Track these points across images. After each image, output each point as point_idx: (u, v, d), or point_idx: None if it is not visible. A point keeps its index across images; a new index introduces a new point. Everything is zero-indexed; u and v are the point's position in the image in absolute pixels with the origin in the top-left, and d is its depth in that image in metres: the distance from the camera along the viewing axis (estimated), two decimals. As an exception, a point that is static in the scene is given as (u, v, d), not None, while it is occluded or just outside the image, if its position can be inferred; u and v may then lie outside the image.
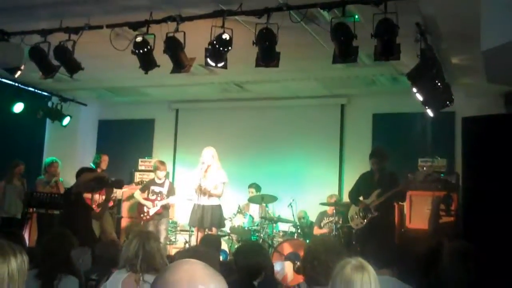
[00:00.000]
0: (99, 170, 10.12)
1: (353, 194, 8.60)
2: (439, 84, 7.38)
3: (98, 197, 9.69)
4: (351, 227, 8.64)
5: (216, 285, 1.64)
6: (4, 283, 2.29)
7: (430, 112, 8.26)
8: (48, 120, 11.78)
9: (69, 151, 12.11)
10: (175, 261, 1.69)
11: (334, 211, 9.43)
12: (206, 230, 8.89)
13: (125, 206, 11.13)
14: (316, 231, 10.03)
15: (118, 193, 10.76)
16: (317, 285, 3.63)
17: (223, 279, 1.68)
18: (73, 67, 7.48)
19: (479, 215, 5.38)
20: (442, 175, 9.27)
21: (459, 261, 3.90)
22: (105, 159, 10.46)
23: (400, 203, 8.91)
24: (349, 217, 8.59)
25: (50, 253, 4.55)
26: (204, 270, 1.65)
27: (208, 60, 6.67)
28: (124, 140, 12.46)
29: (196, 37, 6.45)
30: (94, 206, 9.48)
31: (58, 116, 11.29)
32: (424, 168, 9.19)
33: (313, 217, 10.33)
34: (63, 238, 4.76)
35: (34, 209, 9.74)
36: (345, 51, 6.12)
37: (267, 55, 6.41)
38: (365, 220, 8.19)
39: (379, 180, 8.27)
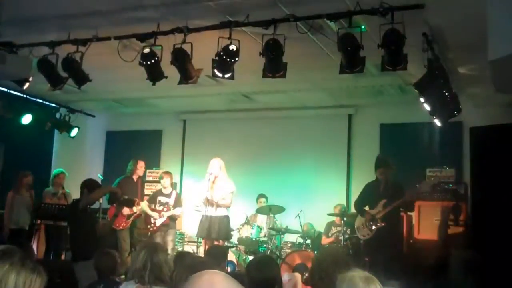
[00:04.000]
0: (135, 177, 10.30)
1: (359, 204, 8.56)
2: (446, 94, 7.36)
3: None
4: (359, 238, 8.60)
5: None
6: None
7: (437, 122, 8.22)
8: (56, 132, 11.82)
9: (77, 163, 12.16)
10: (198, 272, 1.68)
11: (342, 221, 9.39)
12: (213, 241, 8.87)
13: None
14: (324, 240, 10.00)
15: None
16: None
17: None
18: (81, 78, 7.52)
19: (488, 224, 5.35)
20: (450, 185, 9.24)
21: (468, 272, 3.88)
22: (141, 165, 10.48)
23: (408, 213, 8.87)
24: (355, 227, 8.55)
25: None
26: (225, 280, 1.64)
27: (215, 71, 6.68)
28: (132, 151, 12.41)
29: (203, 48, 6.47)
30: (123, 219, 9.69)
31: (66, 127, 11.33)
32: (432, 178, 9.17)
33: (321, 227, 10.30)
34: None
35: (42, 220, 9.77)
36: (352, 62, 6.12)
37: (274, 65, 6.42)
38: (372, 231, 8.16)
39: (384, 189, 8.22)
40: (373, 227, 8.12)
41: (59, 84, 7.72)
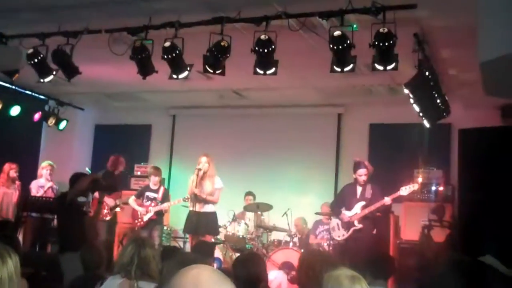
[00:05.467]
0: (116, 172, 10.28)
1: (336, 205, 8.67)
2: (436, 95, 7.40)
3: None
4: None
5: None
6: (5, 285, 2.29)
7: (426, 123, 8.26)
8: (44, 124, 11.75)
9: (65, 155, 12.08)
10: (185, 268, 1.66)
11: (330, 220, 9.40)
12: (200, 237, 8.85)
13: (119, 212, 11.07)
14: (312, 240, 10.00)
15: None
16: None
17: (231, 284, 1.64)
18: (71, 71, 7.48)
19: (474, 226, 5.37)
20: (436, 186, 9.29)
21: (455, 273, 3.89)
22: (122, 161, 10.49)
23: (386, 214, 8.92)
24: (330, 227, 8.62)
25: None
26: (212, 275, 1.62)
27: (207, 66, 6.67)
28: (121, 145, 12.38)
29: (195, 43, 6.45)
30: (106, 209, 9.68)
31: (54, 120, 11.27)
32: (419, 179, 9.21)
33: (309, 226, 10.32)
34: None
35: (28, 212, 9.70)
36: (343, 60, 6.13)
37: (265, 62, 6.42)
38: (347, 232, 8.22)
39: (362, 192, 8.33)
40: (349, 228, 8.20)
41: (48, 76, 7.67)
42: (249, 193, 10.67)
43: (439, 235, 8.17)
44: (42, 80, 7.72)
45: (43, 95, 11.56)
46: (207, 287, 1.57)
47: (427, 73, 6.76)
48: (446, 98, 7.89)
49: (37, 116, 10.97)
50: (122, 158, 10.51)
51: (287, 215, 9.79)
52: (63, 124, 11.34)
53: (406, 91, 7.14)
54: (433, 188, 9.43)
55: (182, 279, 1.59)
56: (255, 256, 5.02)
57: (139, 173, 11.77)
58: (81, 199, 7.80)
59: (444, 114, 7.99)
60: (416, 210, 9.27)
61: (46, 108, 11.36)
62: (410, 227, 9.27)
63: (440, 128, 9.02)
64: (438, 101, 7.54)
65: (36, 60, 7.38)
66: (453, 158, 9.49)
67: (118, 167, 10.40)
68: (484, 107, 9.05)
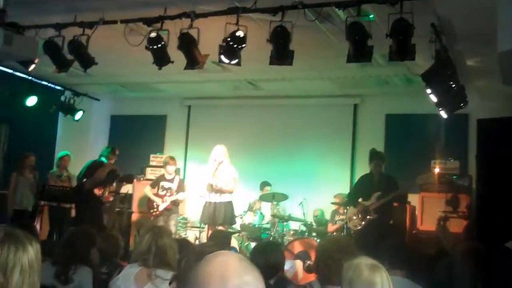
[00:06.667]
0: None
1: (353, 195, 8.74)
2: (453, 85, 7.32)
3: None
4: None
5: (250, 278, 1.57)
6: (25, 272, 2.31)
7: (443, 114, 8.19)
8: (60, 114, 11.83)
9: (81, 146, 12.15)
10: (211, 254, 1.64)
11: (345, 210, 9.40)
12: (216, 227, 8.89)
13: (135, 201, 11.14)
14: (330, 228, 10.07)
15: (129, 188, 10.73)
16: (330, 284, 3.61)
17: (258, 272, 1.61)
18: (87, 61, 7.49)
19: (492, 217, 5.33)
20: (454, 177, 9.23)
21: (470, 262, 3.87)
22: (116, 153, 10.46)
23: (402, 204, 8.92)
24: (347, 217, 8.64)
25: (72, 246, 4.60)
26: (239, 263, 1.59)
27: (222, 57, 6.65)
28: (136, 135, 12.48)
29: (210, 34, 6.43)
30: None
31: (70, 110, 11.33)
32: (436, 170, 9.18)
33: (327, 216, 10.36)
34: (87, 236, 4.81)
35: (46, 202, 9.79)
36: (359, 51, 6.08)
37: (281, 53, 6.38)
38: (364, 222, 8.25)
39: (379, 182, 8.38)
40: (365, 218, 8.23)
41: (64, 66, 7.71)
42: (266, 183, 10.66)
43: (455, 226, 8.14)
44: (58, 71, 7.76)
45: (59, 86, 11.60)
46: (234, 274, 1.54)
47: (444, 64, 6.68)
48: (464, 89, 7.81)
49: (32, 100, 10.81)
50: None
51: (302, 205, 9.81)
52: (79, 115, 11.37)
53: (423, 82, 7.07)
54: (450, 179, 9.37)
55: (209, 267, 1.56)
56: (274, 245, 5.03)
57: (154, 163, 11.81)
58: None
59: (461, 104, 7.92)
60: (432, 201, 9.25)
61: (62, 98, 11.41)
62: (427, 218, 9.27)
63: (457, 119, 8.95)
64: (455, 91, 7.47)
65: (52, 51, 7.41)
66: (470, 148, 9.43)
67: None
68: (501, 98, 8.95)
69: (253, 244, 9.12)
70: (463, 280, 3.45)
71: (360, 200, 8.47)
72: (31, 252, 2.39)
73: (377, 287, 2.69)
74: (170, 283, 3.78)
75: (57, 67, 7.72)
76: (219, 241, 5.47)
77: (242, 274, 1.56)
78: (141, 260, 4.03)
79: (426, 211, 9.36)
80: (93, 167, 8.36)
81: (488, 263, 3.84)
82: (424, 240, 8.94)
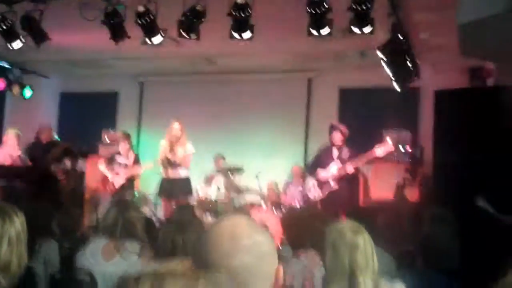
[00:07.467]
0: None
1: (312, 166, 8.81)
2: (408, 59, 7.48)
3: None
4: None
5: (262, 237, 1.59)
6: (13, 244, 2.30)
7: (397, 87, 8.37)
8: (8, 92, 11.50)
9: (30, 124, 11.83)
10: (221, 217, 1.66)
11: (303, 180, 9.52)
12: (173, 202, 8.91)
13: (89, 178, 10.95)
14: (283, 200, 10.08)
15: (82, 165, 10.54)
16: (302, 248, 3.70)
17: (267, 233, 1.63)
18: (40, 37, 7.31)
19: (450, 185, 5.53)
20: (405, 146, 9.46)
21: (439, 226, 4.02)
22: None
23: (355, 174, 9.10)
24: (306, 188, 8.75)
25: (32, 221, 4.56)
26: (248, 223, 1.61)
27: (181, 31, 6.61)
28: (87, 113, 12.27)
29: (168, 9, 6.37)
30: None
31: (19, 88, 11.03)
32: (389, 142, 9.37)
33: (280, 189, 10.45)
34: (45, 211, 4.76)
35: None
36: (320, 24, 6.14)
37: (242, 27, 6.39)
38: (324, 192, 8.38)
39: (339, 154, 8.47)
40: (324, 188, 8.33)
41: (16, 41, 7.48)
42: (219, 156, 10.59)
43: (409, 195, 8.38)
44: (10, 47, 7.53)
45: (7, 64, 11.25)
46: (245, 235, 1.56)
47: (400, 37, 6.82)
48: (417, 62, 7.99)
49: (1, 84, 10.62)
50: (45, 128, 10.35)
51: (258, 178, 9.85)
52: (28, 93, 11.09)
53: (380, 54, 7.19)
54: (402, 149, 9.59)
55: (220, 228, 1.59)
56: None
57: (107, 139, 11.64)
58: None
59: (415, 77, 8.11)
60: (384, 170, 9.45)
61: (11, 77, 11.08)
62: (379, 187, 9.46)
63: (408, 92, 9.13)
64: (410, 64, 7.64)
65: (4, 27, 7.18)
66: (422, 120, 9.72)
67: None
68: (453, 70, 9.20)
69: (210, 218, 9.15)
70: (434, 246, 3.58)
71: (318, 169, 8.56)
72: (18, 224, 2.38)
73: (359, 249, 2.77)
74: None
75: (8, 43, 7.49)
76: (186, 214, 5.47)
77: (253, 234, 1.58)
78: (108, 233, 4.02)
79: (379, 180, 9.55)
80: (49, 145, 8.21)
81: (458, 227, 4.00)
82: (378, 209, 9.13)
